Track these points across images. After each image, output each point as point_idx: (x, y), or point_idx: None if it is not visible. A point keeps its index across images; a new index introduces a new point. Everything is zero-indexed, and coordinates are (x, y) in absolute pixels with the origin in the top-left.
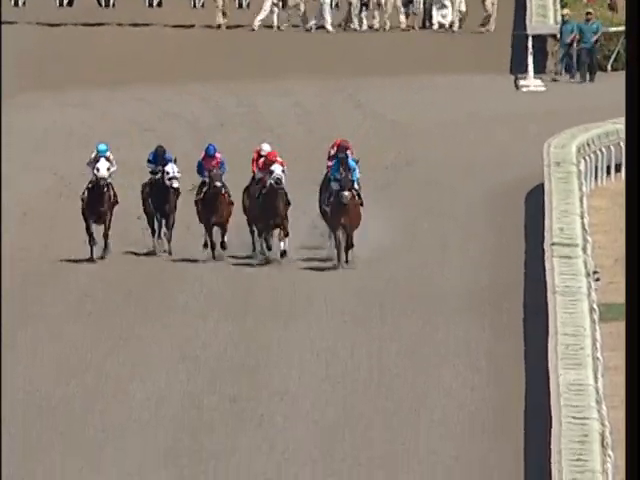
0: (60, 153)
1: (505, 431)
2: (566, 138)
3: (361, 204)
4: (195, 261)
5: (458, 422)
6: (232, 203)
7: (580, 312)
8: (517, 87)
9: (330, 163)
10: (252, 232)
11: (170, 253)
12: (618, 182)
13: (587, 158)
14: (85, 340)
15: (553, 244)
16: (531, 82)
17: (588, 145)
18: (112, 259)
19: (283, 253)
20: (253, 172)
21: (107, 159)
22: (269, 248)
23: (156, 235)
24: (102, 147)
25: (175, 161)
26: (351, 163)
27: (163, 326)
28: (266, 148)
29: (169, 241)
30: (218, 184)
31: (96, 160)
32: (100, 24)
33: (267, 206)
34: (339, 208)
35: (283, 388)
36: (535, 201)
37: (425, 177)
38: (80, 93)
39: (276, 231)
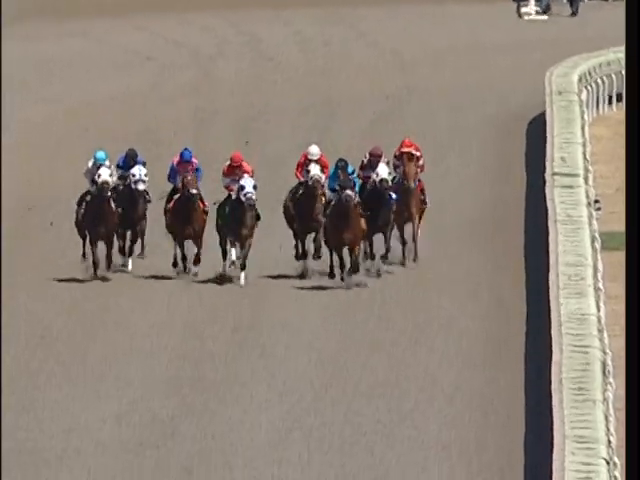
0: (61, 83)
1: (506, 360)
2: (568, 67)
3: (362, 216)
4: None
5: (459, 351)
6: (206, 212)
7: (581, 241)
8: (519, 15)
9: (361, 172)
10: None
11: (125, 265)
12: (620, 111)
13: (589, 87)
14: (86, 269)
15: (554, 173)
16: (532, 10)
17: (590, 74)
18: None
19: (242, 266)
20: (298, 178)
21: (108, 168)
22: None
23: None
24: (101, 155)
25: (144, 165)
26: (350, 170)
27: (164, 255)
28: (314, 151)
29: (129, 255)
30: (194, 191)
31: (96, 168)
32: None
33: (234, 219)
34: (340, 214)
35: (284, 319)
36: (536, 130)
37: (426, 106)
38: (80, 22)
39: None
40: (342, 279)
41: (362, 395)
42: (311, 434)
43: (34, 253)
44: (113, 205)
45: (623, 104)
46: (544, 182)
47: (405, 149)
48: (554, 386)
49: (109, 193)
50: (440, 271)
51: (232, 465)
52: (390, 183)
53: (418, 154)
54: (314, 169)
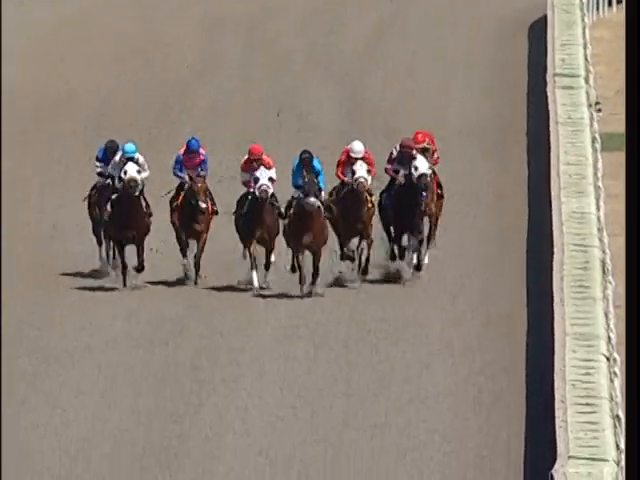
0: None
1: (507, 259)
2: None
3: (328, 218)
4: None
5: (461, 252)
6: (216, 212)
7: (582, 142)
8: None
9: (390, 166)
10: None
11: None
12: (620, 13)
13: None
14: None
15: (555, 75)
16: None
17: None
18: None
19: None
20: (340, 178)
21: (136, 163)
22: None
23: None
24: (130, 147)
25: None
26: (316, 166)
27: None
28: (358, 149)
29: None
30: (203, 205)
31: (124, 161)
32: None
33: (254, 217)
34: (302, 218)
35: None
36: (538, 32)
37: (430, 9)
38: None
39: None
40: (302, 290)
41: (366, 294)
42: (317, 331)
43: (38, 163)
44: (144, 204)
45: (623, 6)
46: (545, 83)
47: (418, 145)
48: (555, 284)
49: (136, 198)
50: (443, 173)
51: (239, 361)
52: (429, 178)
53: (432, 148)
54: (360, 170)
